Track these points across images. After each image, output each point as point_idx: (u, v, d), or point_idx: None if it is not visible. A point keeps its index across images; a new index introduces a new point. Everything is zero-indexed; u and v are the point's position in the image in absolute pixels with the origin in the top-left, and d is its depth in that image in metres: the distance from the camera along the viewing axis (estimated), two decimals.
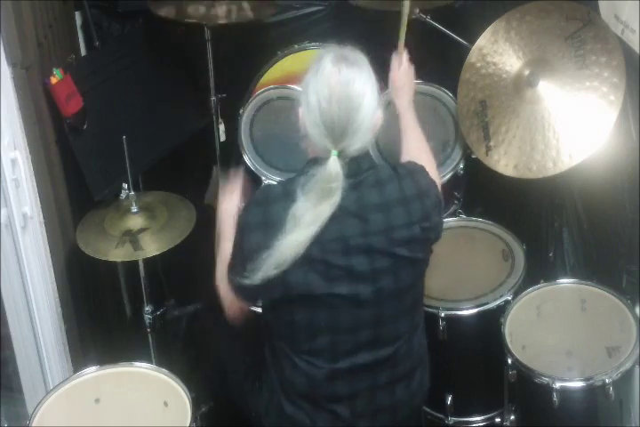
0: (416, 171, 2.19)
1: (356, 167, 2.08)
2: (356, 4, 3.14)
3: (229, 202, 2.39)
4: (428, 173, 2.20)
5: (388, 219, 2.09)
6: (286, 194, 2.08)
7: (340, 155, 2.04)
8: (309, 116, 2.06)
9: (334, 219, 2.05)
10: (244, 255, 2.12)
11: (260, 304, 2.31)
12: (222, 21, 3.05)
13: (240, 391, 2.43)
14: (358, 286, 2.11)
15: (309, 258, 2.05)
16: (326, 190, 2.02)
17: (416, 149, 2.47)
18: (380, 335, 2.19)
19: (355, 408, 2.25)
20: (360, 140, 2.06)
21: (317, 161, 2.07)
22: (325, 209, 2.03)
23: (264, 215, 2.09)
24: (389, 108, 2.63)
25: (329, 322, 2.14)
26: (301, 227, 2.02)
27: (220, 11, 3.06)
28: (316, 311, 2.13)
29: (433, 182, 2.20)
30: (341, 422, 2.25)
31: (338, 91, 2.02)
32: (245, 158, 2.96)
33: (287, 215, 2.03)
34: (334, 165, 2.03)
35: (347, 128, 2.03)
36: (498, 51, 2.77)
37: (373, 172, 2.11)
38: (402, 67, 2.62)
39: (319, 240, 2.05)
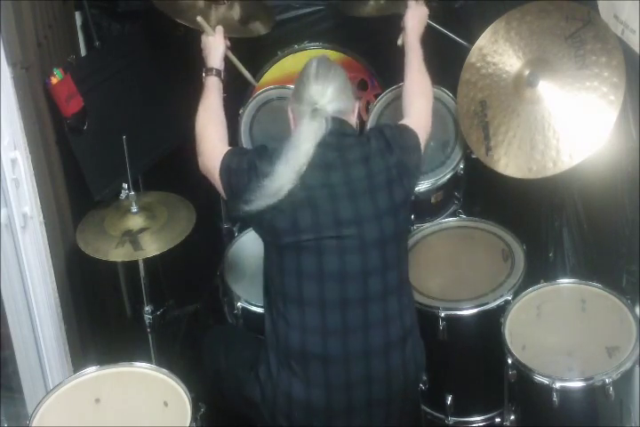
0: (385, 127, 2.47)
1: (339, 127, 2.33)
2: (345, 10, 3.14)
3: (216, 49, 2.72)
4: (396, 127, 2.47)
5: (368, 168, 2.32)
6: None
7: (322, 109, 2.31)
8: (295, 97, 2.39)
9: (320, 169, 2.29)
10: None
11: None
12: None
13: (236, 385, 2.45)
14: (343, 230, 2.26)
15: (298, 202, 2.25)
16: (307, 130, 2.30)
17: (414, 90, 2.67)
18: (369, 289, 2.28)
19: (349, 374, 2.29)
20: (339, 101, 2.35)
21: None
22: (313, 127, 2.29)
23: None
24: (389, 107, 2.64)
25: (315, 267, 2.27)
26: (296, 148, 2.27)
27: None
28: (303, 256, 2.27)
29: (401, 133, 2.44)
30: (336, 390, 2.29)
31: (318, 72, 2.36)
32: None
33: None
34: (314, 114, 2.30)
35: (325, 88, 2.33)
36: (498, 51, 2.77)
37: (355, 138, 2.39)
38: (418, 12, 2.80)
39: (307, 186, 2.26)
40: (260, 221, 2.33)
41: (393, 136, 2.40)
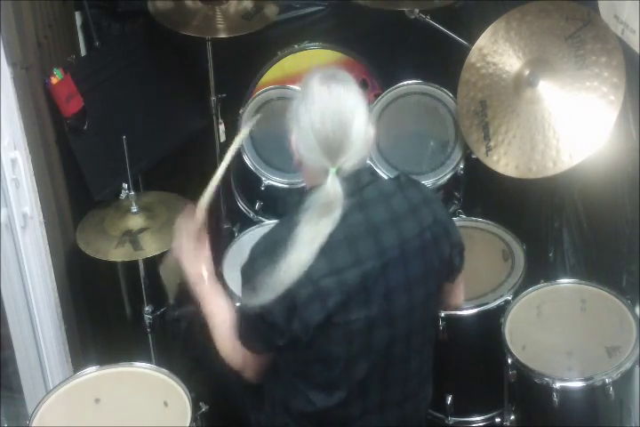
0: (419, 182, 2.18)
1: (355, 183, 2.02)
2: (358, 3, 3.12)
3: (195, 264, 2.29)
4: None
5: (400, 233, 2.05)
6: (290, 231, 1.99)
7: (339, 172, 1.97)
8: (303, 140, 2.01)
9: (347, 244, 2.00)
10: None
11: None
12: (222, 35, 3.05)
13: (240, 402, 2.42)
14: (372, 308, 2.05)
15: (327, 289, 2.00)
16: (325, 207, 1.96)
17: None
18: (391, 355, 2.15)
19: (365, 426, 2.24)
20: (357, 155, 1.99)
21: (316, 188, 2.00)
22: (326, 224, 1.96)
23: (271, 260, 1.99)
24: (389, 108, 2.63)
25: (345, 351, 2.09)
26: (301, 244, 1.95)
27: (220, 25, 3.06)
28: (333, 342, 2.07)
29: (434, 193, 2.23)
30: None
31: (329, 107, 1.98)
32: (245, 158, 2.97)
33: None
34: (333, 183, 1.96)
35: (342, 143, 1.97)
36: (498, 51, 2.77)
37: (375, 186, 2.06)
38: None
39: (335, 270, 2.00)
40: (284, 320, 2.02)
41: (429, 191, 2.19)
